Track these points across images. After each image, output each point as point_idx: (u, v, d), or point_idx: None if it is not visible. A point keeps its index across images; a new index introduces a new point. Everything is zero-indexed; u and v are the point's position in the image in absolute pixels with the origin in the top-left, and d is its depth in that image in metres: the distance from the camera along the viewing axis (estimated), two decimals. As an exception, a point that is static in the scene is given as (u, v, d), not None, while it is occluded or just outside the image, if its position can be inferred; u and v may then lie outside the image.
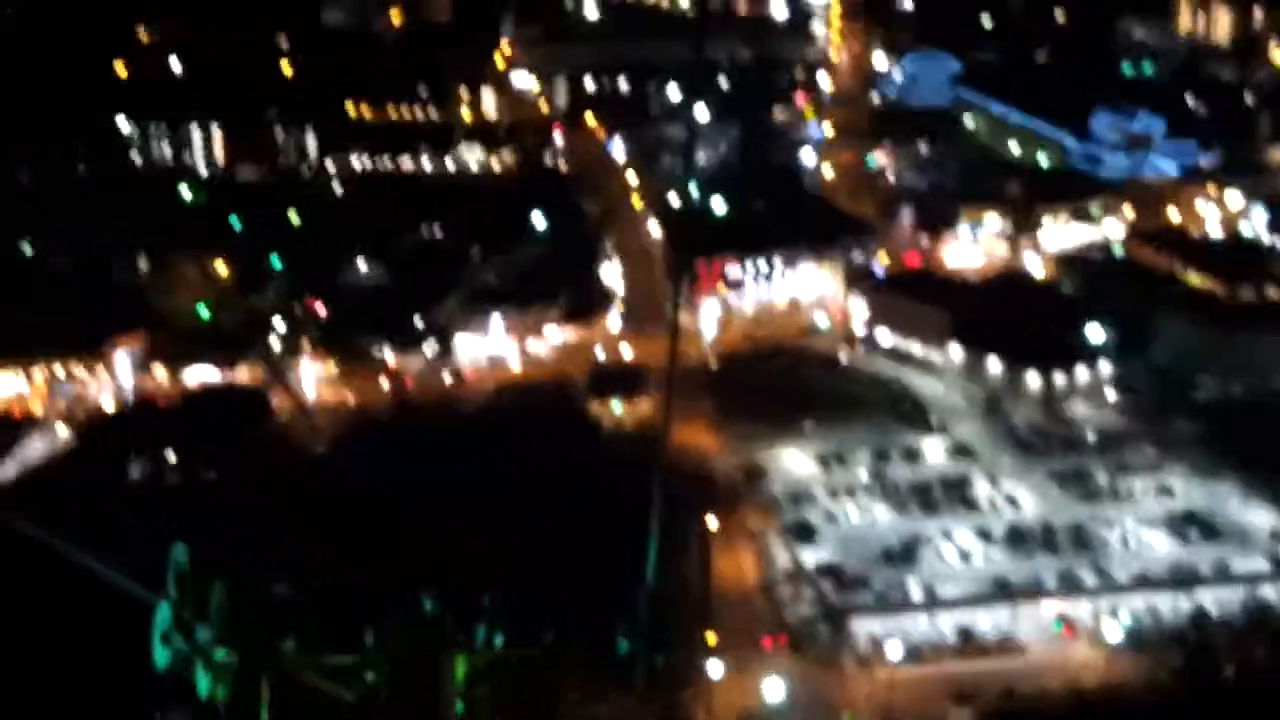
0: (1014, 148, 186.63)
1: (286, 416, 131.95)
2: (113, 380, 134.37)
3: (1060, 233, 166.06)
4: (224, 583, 17.85)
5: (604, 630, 19.97)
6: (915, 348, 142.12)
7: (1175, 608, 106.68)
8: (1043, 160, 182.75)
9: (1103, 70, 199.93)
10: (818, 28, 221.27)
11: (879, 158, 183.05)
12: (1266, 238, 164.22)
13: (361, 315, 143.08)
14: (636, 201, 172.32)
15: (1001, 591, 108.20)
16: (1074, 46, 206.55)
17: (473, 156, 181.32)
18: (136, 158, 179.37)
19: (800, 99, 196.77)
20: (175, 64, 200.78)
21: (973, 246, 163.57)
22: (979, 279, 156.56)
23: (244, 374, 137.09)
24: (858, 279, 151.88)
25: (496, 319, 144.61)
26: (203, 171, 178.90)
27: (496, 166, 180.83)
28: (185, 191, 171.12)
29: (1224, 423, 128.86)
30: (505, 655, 18.20)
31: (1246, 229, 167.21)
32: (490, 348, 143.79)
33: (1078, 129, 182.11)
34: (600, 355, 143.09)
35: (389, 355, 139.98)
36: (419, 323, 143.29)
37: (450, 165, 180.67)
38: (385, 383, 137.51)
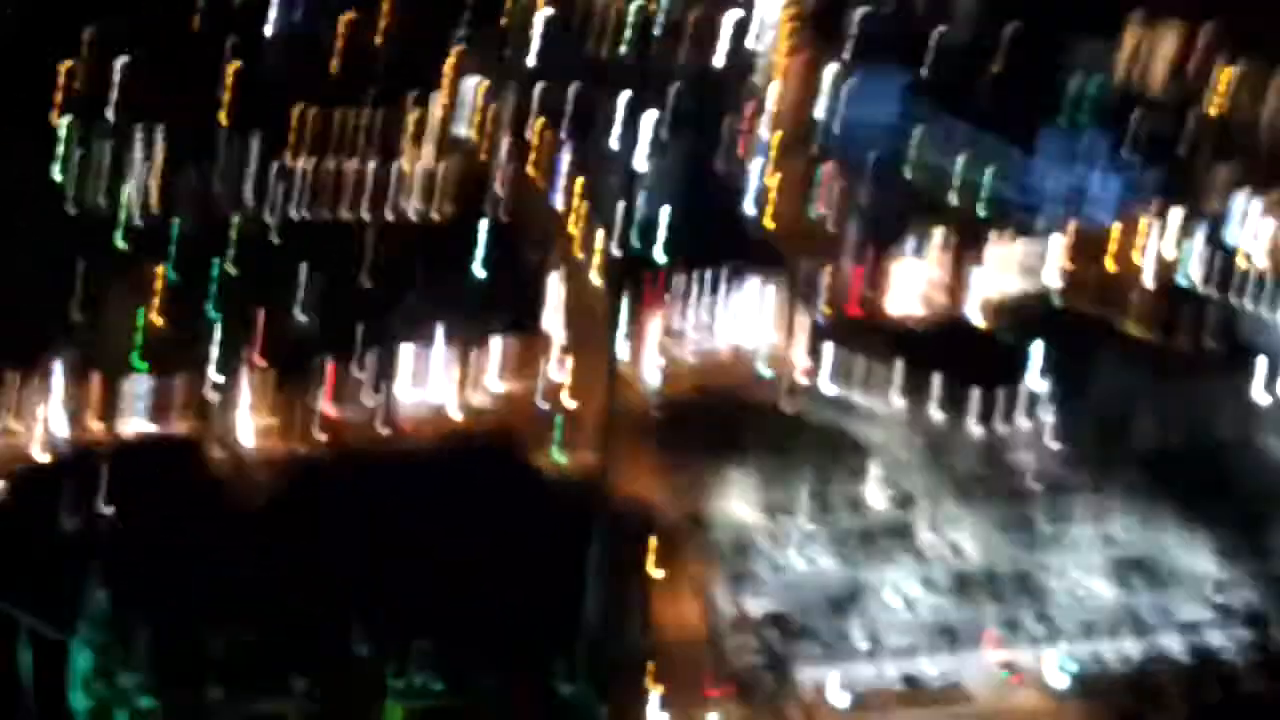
0: (959, 162, 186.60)
1: (222, 466, 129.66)
2: (45, 431, 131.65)
3: (998, 281, 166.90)
4: (148, 629, 16.61)
5: (544, 674, 18.70)
6: (857, 396, 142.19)
7: (1120, 653, 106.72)
8: (988, 174, 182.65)
9: (1049, 88, 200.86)
10: (762, 45, 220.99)
11: (825, 174, 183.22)
12: (1203, 286, 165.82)
13: (298, 364, 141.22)
14: (577, 250, 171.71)
15: (946, 639, 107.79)
16: (1021, 64, 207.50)
17: (411, 207, 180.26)
18: (71, 209, 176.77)
19: (746, 119, 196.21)
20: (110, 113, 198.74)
21: (914, 283, 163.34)
22: (919, 327, 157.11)
23: (178, 424, 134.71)
24: (802, 326, 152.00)
25: (436, 366, 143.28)
26: (137, 221, 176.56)
27: (436, 217, 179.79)
28: (119, 241, 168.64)
29: (1164, 470, 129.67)
30: (443, 702, 17.09)
31: (1182, 280, 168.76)
32: (429, 396, 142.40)
33: (1025, 145, 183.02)
34: (541, 403, 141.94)
35: (326, 404, 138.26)
36: (356, 372, 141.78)
37: (389, 216, 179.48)
38: (321, 432, 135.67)
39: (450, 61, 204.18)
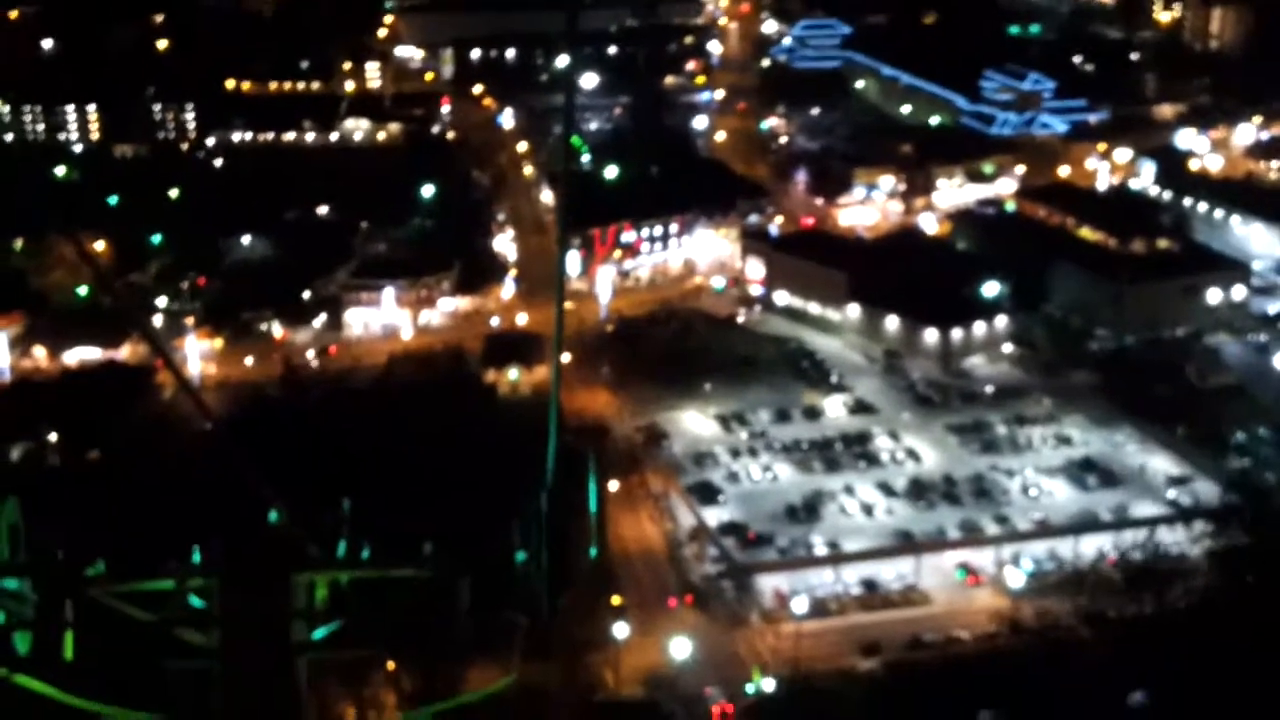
0: (905, 110, 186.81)
1: (171, 394, 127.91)
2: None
3: (953, 191, 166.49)
4: (13, 501, 14.63)
5: (497, 540, 16.58)
6: (813, 307, 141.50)
7: (1077, 553, 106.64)
8: (934, 120, 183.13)
9: (991, 32, 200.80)
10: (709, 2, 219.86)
11: (772, 122, 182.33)
12: (1154, 191, 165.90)
13: (248, 290, 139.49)
14: (528, 170, 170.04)
15: (905, 543, 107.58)
16: (961, 9, 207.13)
17: (358, 128, 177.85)
18: (9, 137, 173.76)
19: (691, 65, 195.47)
20: (48, 44, 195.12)
21: (867, 207, 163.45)
22: (874, 238, 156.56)
23: (126, 352, 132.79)
24: (753, 241, 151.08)
25: (389, 290, 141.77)
26: (78, 149, 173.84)
27: (383, 138, 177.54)
28: (61, 170, 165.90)
29: (1119, 372, 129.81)
30: (375, 573, 14.86)
31: (1135, 183, 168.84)
32: (383, 319, 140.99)
33: (968, 91, 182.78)
34: (495, 324, 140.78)
35: (277, 329, 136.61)
36: (308, 296, 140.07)
37: (335, 137, 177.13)
38: (271, 355, 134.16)
39: (384, 31, 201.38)
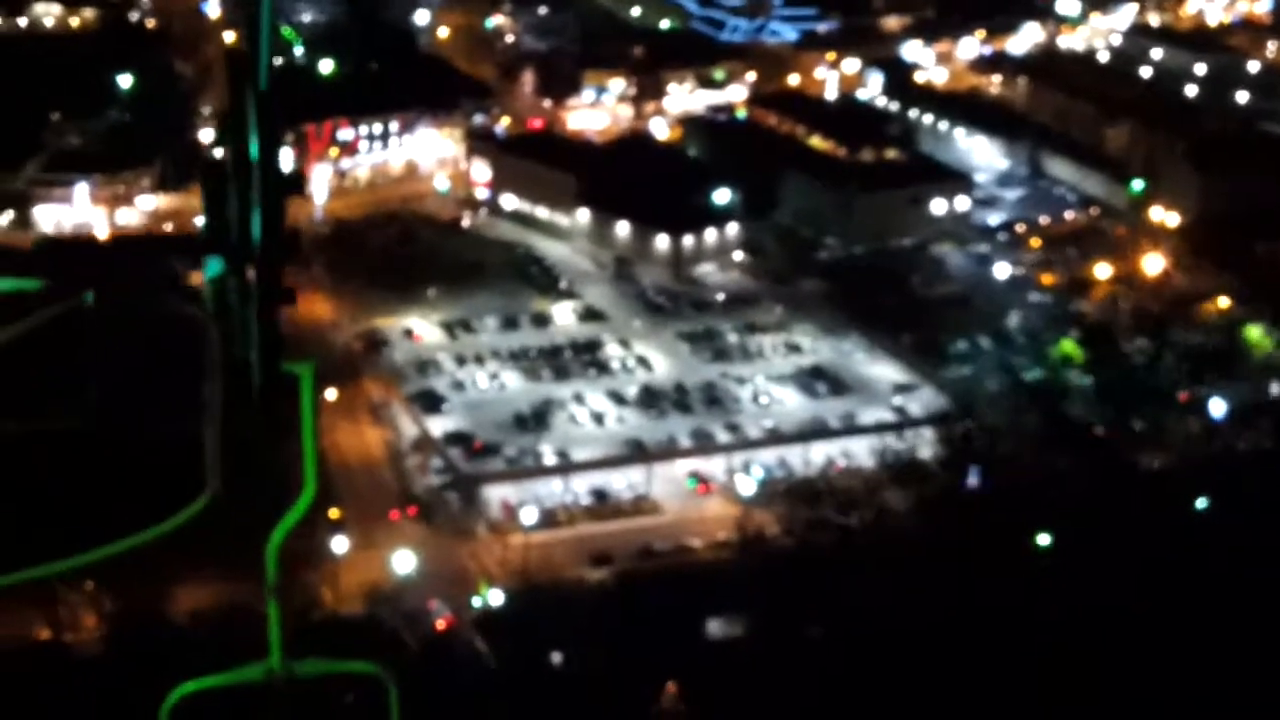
0: (635, 13, 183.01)
1: None
2: None
3: (684, 96, 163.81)
4: None
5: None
6: (541, 211, 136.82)
7: (806, 460, 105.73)
8: (664, 24, 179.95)
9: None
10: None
11: (497, 20, 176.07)
12: (882, 102, 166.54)
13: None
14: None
15: (636, 452, 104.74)
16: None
17: (49, 14, 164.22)
18: None
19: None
20: None
21: (597, 110, 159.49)
22: (604, 142, 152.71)
23: None
24: (479, 141, 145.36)
25: (81, 186, 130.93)
26: None
27: (76, 24, 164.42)
28: None
29: (847, 281, 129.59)
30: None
31: (863, 93, 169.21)
32: (75, 217, 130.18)
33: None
34: (200, 223, 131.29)
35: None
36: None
37: (24, 23, 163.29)
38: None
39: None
